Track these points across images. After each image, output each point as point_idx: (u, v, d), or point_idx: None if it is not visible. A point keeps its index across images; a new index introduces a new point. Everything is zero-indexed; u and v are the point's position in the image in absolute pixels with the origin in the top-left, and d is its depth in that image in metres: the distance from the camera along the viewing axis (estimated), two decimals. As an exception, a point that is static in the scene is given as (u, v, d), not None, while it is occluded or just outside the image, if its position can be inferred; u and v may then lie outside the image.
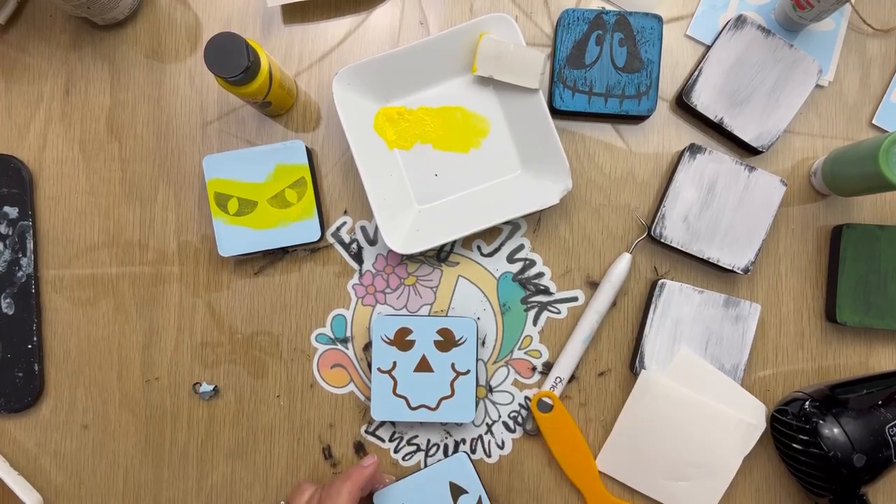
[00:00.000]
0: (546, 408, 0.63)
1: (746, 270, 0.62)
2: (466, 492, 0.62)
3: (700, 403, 0.61)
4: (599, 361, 0.65)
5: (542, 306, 0.65)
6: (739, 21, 0.63)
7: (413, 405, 0.62)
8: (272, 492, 0.65)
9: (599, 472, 0.64)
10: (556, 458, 0.63)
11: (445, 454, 0.64)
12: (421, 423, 0.64)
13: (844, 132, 0.66)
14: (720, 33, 0.64)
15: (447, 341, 0.62)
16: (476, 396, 0.63)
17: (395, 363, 0.62)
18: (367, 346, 0.65)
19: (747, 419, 0.61)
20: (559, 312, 0.65)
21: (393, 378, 0.62)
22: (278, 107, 0.63)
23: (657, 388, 0.62)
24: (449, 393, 0.62)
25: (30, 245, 0.65)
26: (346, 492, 0.56)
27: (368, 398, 0.65)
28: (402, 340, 0.62)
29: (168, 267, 0.66)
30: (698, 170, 0.62)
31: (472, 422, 0.64)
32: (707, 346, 0.62)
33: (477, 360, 0.63)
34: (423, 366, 0.62)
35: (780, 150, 0.66)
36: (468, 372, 0.62)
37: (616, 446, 0.63)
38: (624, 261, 0.63)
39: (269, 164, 0.63)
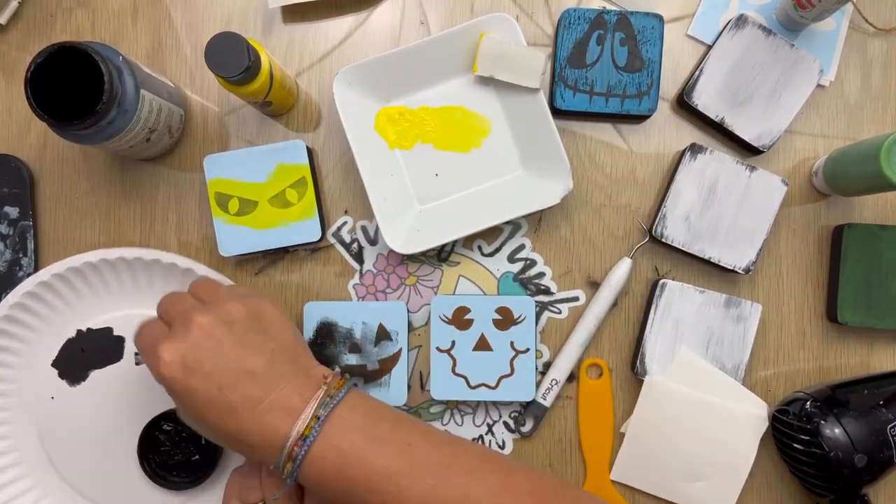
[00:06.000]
0: (595, 375, 0.64)
1: (747, 270, 0.62)
2: (392, 339, 0.62)
3: (707, 402, 0.61)
4: (600, 361, 0.65)
5: (543, 306, 0.65)
6: (740, 21, 0.63)
7: (472, 384, 0.62)
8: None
9: (615, 482, 0.64)
10: (579, 427, 0.64)
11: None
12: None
13: (846, 132, 0.66)
14: (721, 33, 0.64)
15: (506, 320, 0.62)
16: (536, 374, 0.63)
17: (453, 342, 0.62)
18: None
19: (755, 412, 0.61)
20: (560, 312, 0.65)
21: (452, 357, 0.62)
22: (279, 107, 0.63)
23: (663, 392, 0.62)
24: (509, 371, 0.62)
25: (30, 245, 0.65)
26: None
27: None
28: (460, 319, 0.62)
29: (169, 267, 0.66)
30: (699, 169, 0.62)
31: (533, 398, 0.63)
32: (708, 346, 0.62)
33: (536, 338, 0.63)
34: (483, 344, 0.62)
35: (782, 150, 0.66)
36: (527, 350, 0.62)
37: (629, 455, 0.63)
38: (624, 266, 0.63)
39: (269, 163, 0.63)
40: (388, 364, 0.63)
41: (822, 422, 0.58)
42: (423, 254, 0.65)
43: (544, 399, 0.63)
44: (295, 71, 0.67)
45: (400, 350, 0.63)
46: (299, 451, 0.46)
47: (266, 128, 0.66)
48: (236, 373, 0.47)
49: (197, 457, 0.62)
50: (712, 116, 0.63)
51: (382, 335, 0.63)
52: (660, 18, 0.63)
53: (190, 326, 0.48)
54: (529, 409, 0.64)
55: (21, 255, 0.65)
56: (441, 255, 0.65)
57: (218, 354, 0.47)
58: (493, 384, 0.62)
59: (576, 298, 0.65)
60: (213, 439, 0.51)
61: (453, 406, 0.65)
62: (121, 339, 0.63)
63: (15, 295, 0.61)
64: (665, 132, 0.66)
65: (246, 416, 0.47)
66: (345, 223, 0.66)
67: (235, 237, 0.63)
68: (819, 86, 0.65)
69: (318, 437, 0.46)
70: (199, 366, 0.47)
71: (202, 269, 0.61)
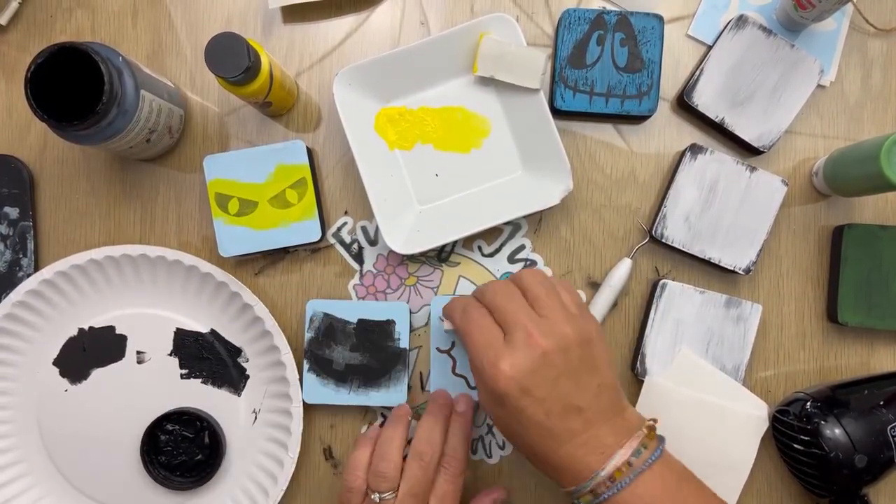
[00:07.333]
0: None
1: (748, 271, 0.62)
2: (393, 340, 0.62)
3: (706, 403, 0.61)
4: (600, 362, 0.65)
5: (543, 306, 0.65)
6: (741, 21, 0.63)
7: (473, 384, 0.62)
8: (273, 492, 0.65)
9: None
10: None
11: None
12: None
13: (846, 132, 0.66)
14: (721, 33, 0.64)
15: None
16: None
17: (453, 343, 0.62)
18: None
19: (755, 412, 0.61)
20: (560, 313, 0.65)
21: (452, 357, 0.62)
22: (279, 107, 0.63)
23: (663, 392, 0.62)
24: None
25: (30, 245, 0.65)
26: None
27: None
28: None
29: (169, 267, 0.66)
30: (699, 170, 0.62)
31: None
32: (708, 346, 0.62)
33: None
34: None
35: (782, 151, 0.66)
36: None
37: None
38: (624, 266, 0.63)
39: (269, 164, 0.63)
40: (389, 364, 0.63)
41: (823, 422, 0.58)
42: (424, 254, 0.65)
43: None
44: (295, 71, 0.67)
45: (401, 350, 0.63)
46: (605, 491, 0.48)
47: (266, 128, 0.66)
48: (564, 405, 0.49)
49: (200, 457, 0.62)
50: (712, 117, 0.63)
51: (384, 335, 0.63)
52: (660, 19, 0.63)
53: (531, 347, 0.49)
54: (529, 409, 0.64)
55: (21, 256, 0.65)
56: (441, 256, 0.65)
57: (552, 384, 0.49)
58: None
59: (576, 299, 0.65)
60: (520, 450, 0.53)
61: (453, 406, 0.65)
62: (123, 338, 0.63)
63: (17, 293, 0.62)
64: (665, 132, 0.66)
65: (563, 445, 0.49)
66: (345, 223, 0.66)
67: (235, 237, 0.63)
68: (819, 86, 0.65)
69: (628, 485, 0.48)
70: (535, 390, 0.49)
71: (206, 267, 0.61)
